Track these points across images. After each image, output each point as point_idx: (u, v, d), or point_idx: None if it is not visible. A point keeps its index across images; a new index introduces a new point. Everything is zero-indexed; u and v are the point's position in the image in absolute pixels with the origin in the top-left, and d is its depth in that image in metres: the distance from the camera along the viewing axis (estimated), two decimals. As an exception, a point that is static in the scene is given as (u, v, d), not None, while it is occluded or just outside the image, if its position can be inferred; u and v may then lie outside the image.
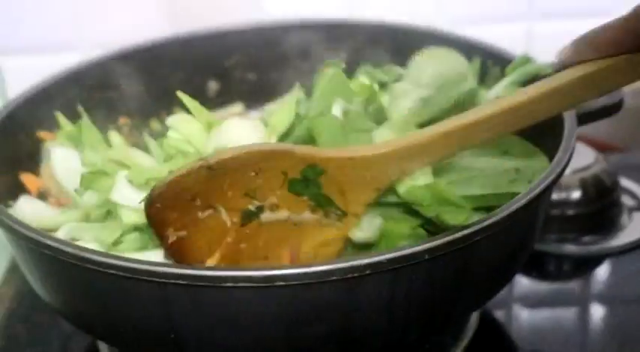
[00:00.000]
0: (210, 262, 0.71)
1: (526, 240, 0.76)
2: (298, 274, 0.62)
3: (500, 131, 0.68)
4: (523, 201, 0.68)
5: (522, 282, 0.95)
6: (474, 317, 0.88)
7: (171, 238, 0.71)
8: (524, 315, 0.91)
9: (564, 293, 0.95)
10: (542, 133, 0.82)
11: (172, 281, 0.62)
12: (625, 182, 1.07)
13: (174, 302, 0.64)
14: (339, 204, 0.71)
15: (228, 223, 0.71)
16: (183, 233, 0.71)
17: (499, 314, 0.91)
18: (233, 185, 0.70)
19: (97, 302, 0.69)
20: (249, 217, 0.71)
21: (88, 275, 0.66)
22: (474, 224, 0.66)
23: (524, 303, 0.93)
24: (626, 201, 1.05)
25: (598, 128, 1.21)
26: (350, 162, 0.70)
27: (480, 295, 0.75)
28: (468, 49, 0.94)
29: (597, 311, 0.91)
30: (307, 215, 0.72)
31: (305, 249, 0.73)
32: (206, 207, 0.70)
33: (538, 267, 0.98)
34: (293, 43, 1.04)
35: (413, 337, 0.71)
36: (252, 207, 0.71)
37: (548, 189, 0.71)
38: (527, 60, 0.89)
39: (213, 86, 1.04)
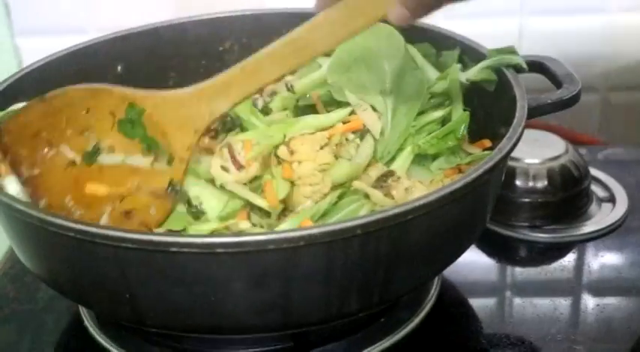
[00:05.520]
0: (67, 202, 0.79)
1: (470, 220, 0.81)
2: (236, 242, 0.68)
3: (289, 64, 0.81)
4: (457, 185, 0.72)
5: (486, 265, 1.00)
6: (432, 294, 0.92)
7: (25, 174, 0.79)
8: (483, 297, 0.95)
9: (529, 277, 0.99)
10: (498, 123, 0.87)
11: (123, 244, 0.68)
12: (600, 174, 1.11)
13: (127, 264, 0.70)
14: (164, 147, 0.80)
15: (74, 160, 0.79)
16: (36, 171, 0.79)
17: (460, 294, 0.95)
18: (70, 122, 0.79)
19: (61, 263, 0.76)
20: (90, 157, 0.80)
21: (52, 238, 0.72)
22: (407, 203, 0.71)
23: (487, 286, 0.97)
24: (599, 192, 1.09)
25: (587, 123, 1.27)
26: (162, 100, 0.81)
27: (421, 272, 0.79)
28: (444, 41, 0.99)
29: (562, 296, 0.94)
30: (140, 158, 0.80)
31: (142, 200, 0.80)
32: (50, 145, 0.79)
33: (505, 252, 1.02)
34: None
35: (353, 309, 0.75)
36: (90, 148, 0.80)
37: (485, 175, 0.75)
38: (512, 51, 0.92)
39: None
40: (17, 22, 1.26)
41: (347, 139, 0.87)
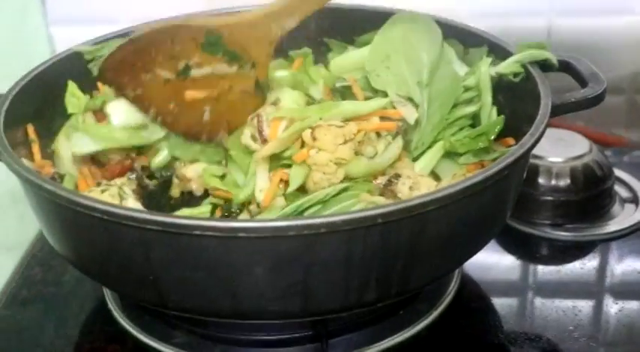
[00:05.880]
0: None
1: (489, 215, 0.81)
2: (258, 227, 0.69)
3: None
4: (478, 178, 0.73)
5: (507, 262, 1.01)
6: (452, 288, 0.93)
7: (131, 95, 0.94)
8: (502, 293, 0.95)
9: (549, 275, 0.99)
10: (522, 122, 0.88)
11: (147, 226, 0.69)
12: (624, 175, 1.11)
13: (150, 246, 0.72)
14: (245, 57, 0.93)
15: (169, 78, 0.93)
16: (139, 91, 0.94)
17: (479, 289, 0.96)
18: (158, 52, 0.92)
19: (87, 245, 0.77)
20: (182, 74, 0.93)
21: (79, 219, 0.74)
22: (428, 194, 0.72)
23: (506, 282, 0.98)
24: (622, 192, 1.09)
25: (612, 124, 1.27)
26: (237, 26, 0.93)
27: (440, 264, 0.80)
28: (471, 38, 1.00)
29: (582, 295, 0.95)
30: (226, 67, 0.93)
31: (236, 98, 0.95)
32: (146, 71, 0.93)
33: (526, 249, 1.03)
34: (315, 24, 1.10)
35: (372, 298, 0.76)
36: (181, 67, 0.92)
37: (506, 169, 0.75)
38: (542, 46, 0.93)
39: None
40: (51, 11, 1.28)
41: (379, 135, 0.88)
